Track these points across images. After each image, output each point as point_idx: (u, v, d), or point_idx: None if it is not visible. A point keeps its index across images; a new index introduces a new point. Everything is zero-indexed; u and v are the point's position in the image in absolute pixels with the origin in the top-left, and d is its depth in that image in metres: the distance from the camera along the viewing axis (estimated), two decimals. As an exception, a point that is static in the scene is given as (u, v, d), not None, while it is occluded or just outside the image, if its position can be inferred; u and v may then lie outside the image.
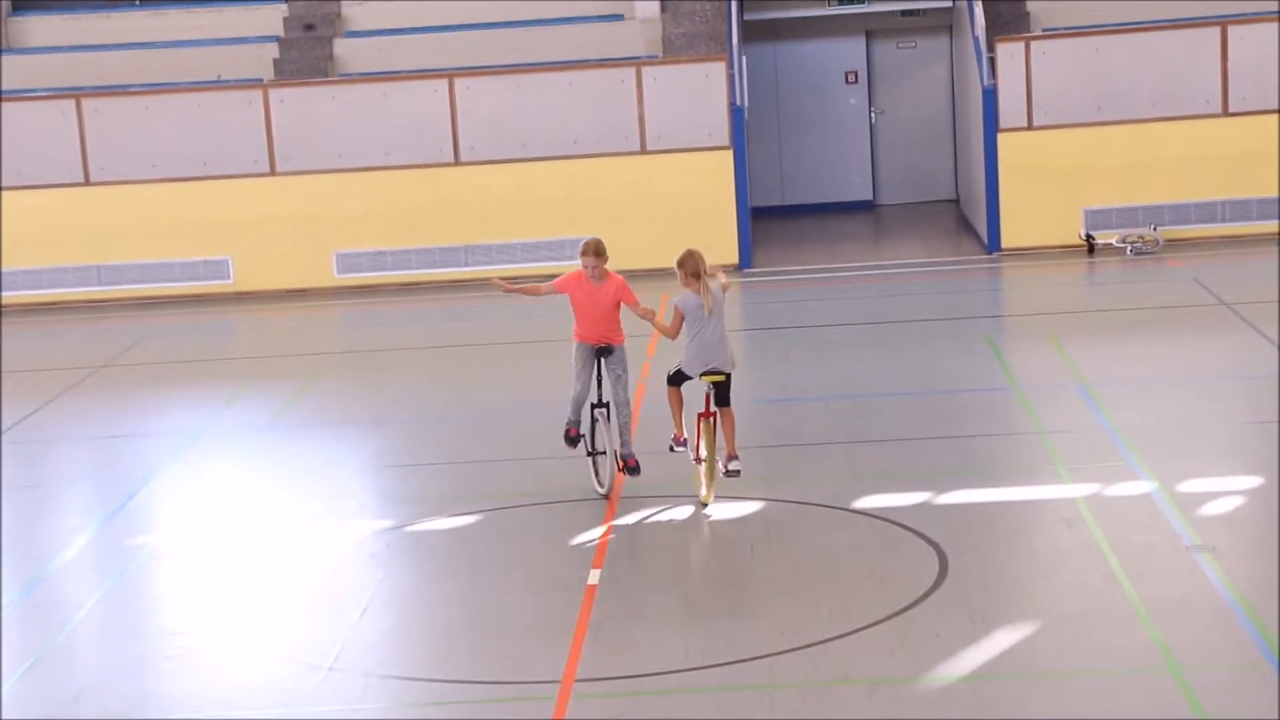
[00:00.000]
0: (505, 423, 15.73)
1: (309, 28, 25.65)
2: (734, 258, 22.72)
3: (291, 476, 14.64)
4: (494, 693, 9.79)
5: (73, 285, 23.45)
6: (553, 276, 13.71)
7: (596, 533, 12.30)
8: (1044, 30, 24.08)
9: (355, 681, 10.02)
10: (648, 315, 12.66)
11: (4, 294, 23.31)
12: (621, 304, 12.91)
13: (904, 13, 27.22)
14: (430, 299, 22.44)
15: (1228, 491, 12.34)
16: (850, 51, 27.71)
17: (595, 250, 12.77)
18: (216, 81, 24.58)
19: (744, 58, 23.84)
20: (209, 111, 23.25)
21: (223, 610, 11.38)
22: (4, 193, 23.19)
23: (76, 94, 23.64)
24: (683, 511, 12.77)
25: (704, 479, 12.78)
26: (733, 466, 12.64)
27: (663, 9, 25.28)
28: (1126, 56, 22.60)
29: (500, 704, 9.66)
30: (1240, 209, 22.56)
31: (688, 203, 22.58)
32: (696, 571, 11.77)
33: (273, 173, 23.25)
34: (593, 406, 13.08)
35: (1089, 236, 22.54)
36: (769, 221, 26.49)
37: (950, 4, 26.00)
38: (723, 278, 12.82)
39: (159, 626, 11.27)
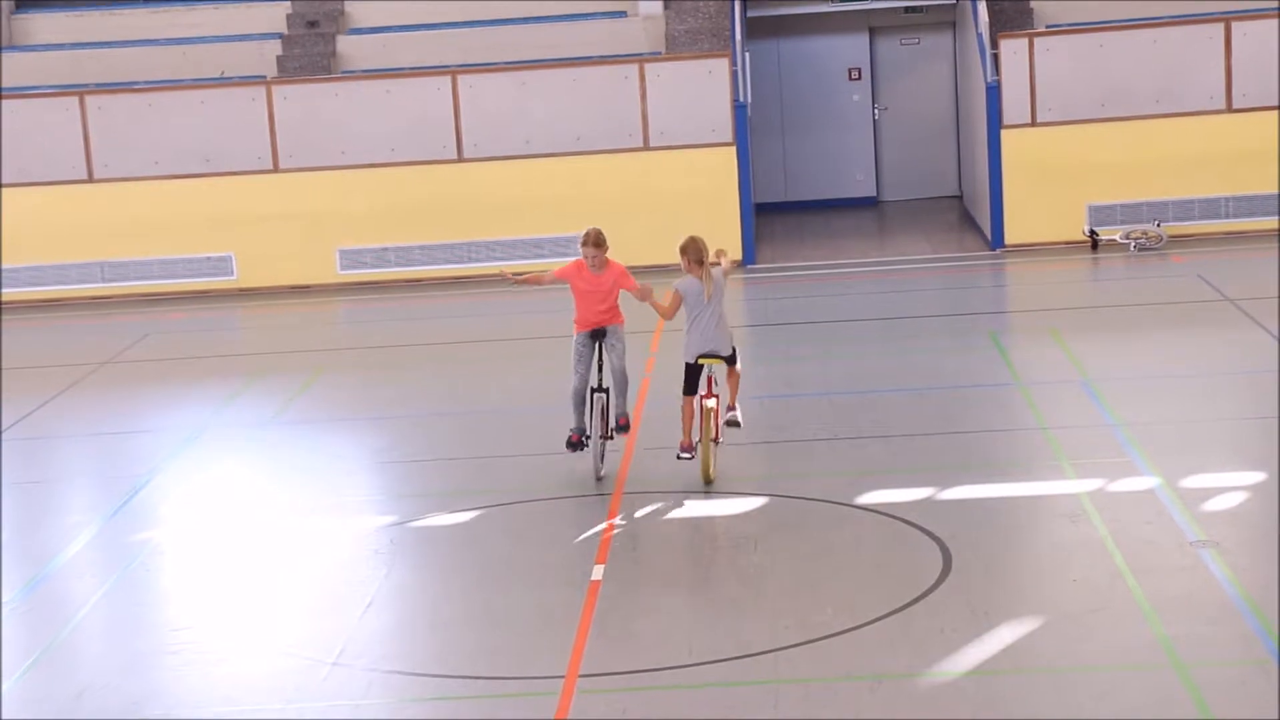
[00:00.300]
0: (508, 418, 15.73)
1: (312, 24, 25.65)
2: (737, 254, 22.69)
3: (294, 472, 14.64)
4: (498, 688, 9.79)
5: (76, 282, 23.46)
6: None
7: (600, 528, 12.30)
8: (1047, 27, 24.06)
9: (359, 677, 10.02)
10: (646, 294, 12.99)
11: (8, 291, 23.31)
12: (623, 290, 13.25)
13: (907, 9, 27.21)
14: (433, 295, 22.44)
15: (1232, 487, 12.34)
16: (854, 48, 27.70)
17: (595, 240, 13.15)
18: (220, 78, 24.58)
19: (747, 54, 23.83)
20: (212, 108, 23.26)
21: (226, 606, 11.38)
22: (8, 190, 23.20)
23: (80, 91, 23.64)
24: (686, 507, 12.77)
25: (704, 458, 13.07)
26: (730, 416, 13.13)
27: (666, 5, 25.26)
28: (1130, 53, 22.59)
29: (504, 699, 9.66)
30: (1244, 205, 22.54)
31: (691, 199, 22.57)
32: (700, 567, 11.76)
33: (276, 169, 23.25)
34: (592, 391, 13.35)
35: (1093, 232, 22.53)
36: (772, 218, 26.49)
37: (954, 0, 25.98)
38: (725, 262, 13.11)
39: (162, 623, 11.27)
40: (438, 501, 13.28)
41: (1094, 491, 12.39)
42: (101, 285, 23.47)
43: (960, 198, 27.29)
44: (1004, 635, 9.97)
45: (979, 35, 23.25)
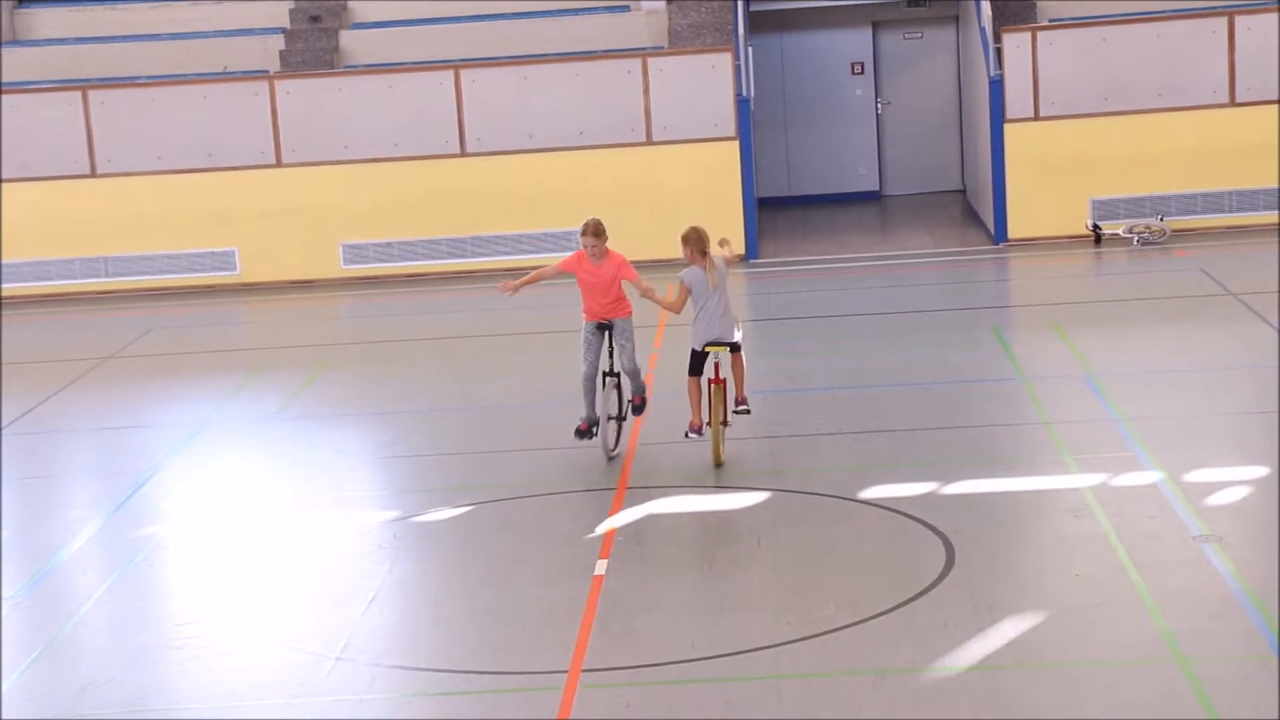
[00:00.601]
0: (511, 413, 15.73)
1: (315, 19, 25.64)
2: (741, 249, 22.67)
3: (298, 467, 14.65)
4: (501, 683, 9.79)
5: (79, 277, 23.47)
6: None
7: (603, 523, 12.31)
8: (1050, 21, 24.05)
9: (362, 672, 10.03)
10: (648, 293, 13.17)
11: (11, 286, 23.32)
12: (624, 280, 13.48)
13: (910, 3, 27.20)
14: (436, 290, 22.44)
15: (1235, 481, 12.33)
16: (856, 42, 27.69)
17: (594, 231, 13.38)
18: (222, 73, 24.58)
19: (750, 49, 23.81)
20: (215, 103, 23.26)
21: (229, 601, 11.39)
22: (11, 185, 23.20)
23: (82, 86, 23.65)
24: (689, 502, 12.77)
25: (714, 441, 13.31)
26: (740, 409, 13.50)
27: (669, 0, 25.24)
28: (1133, 47, 22.58)
29: (507, 694, 9.66)
30: (1247, 199, 22.53)
31: (694, 194, 22.56)
32: (703, 562, 11.76)
33: (279, 164, 23.26)
34: (604, 374, 13.60)
35: (1095, 227, 22.52)
36: (775, 212, 26.49)
37: (956, -6, 26.01)
38: (727, 252, 13.34)
39: (165, 617, 11.28)
40: (441, 496, 13.29)
41: (1097, 486, 12.39)
42: (104, 280, 23.47)
43: (963, 192, 27.29)
44: (1007, 630, 9.97)
45: (982, 29, 23.24)
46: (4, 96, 23.37)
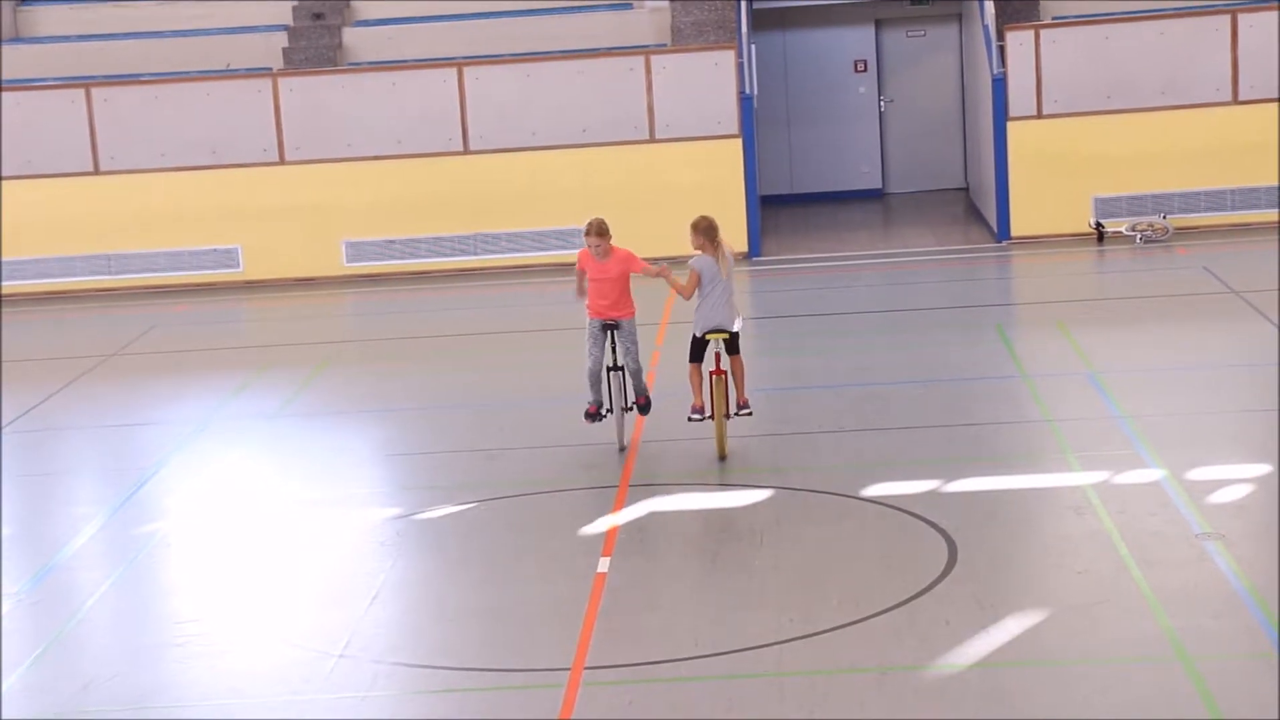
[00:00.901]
0: (515, 411, 15.73)
1: (318, 17, 25.65)
2: (743, 246, 22.69)
3: (301, 464, 14.66)
4: (503, 680, 9.80)
5: (82, 274, 23.47)
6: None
7: (606, 521, 12.31)
8: (1054, 19, 24.04)
9: (365, 669, 10.03)
10: (663, 273, 13.37)
11: (14, 284, 23.33)
12: (633, 273, 13.63)
13: (913, 1, 27.19)
14: (439, 288, 22.44)
15: (1237, 479, 12.33)
16: (859, 40, 27.67)
17: (598, 230, 13.50)
18: (226, 71, 24.59)
19: (753, 46, 23.81)
20: (218, 101, 23.26)
21: (232, 598, 11.40)
22: (14, 182, 23.21)
23: (86, 83, 23.65)
24: (692, 499, 12.78)
25: (718, 434, 13.44)
26: (742, 411, 13.65)
27: (672, -3, 25.28)
28: (1136, 45, 22.57)
29: (509, 691, 9.66)
30: (1249, 197, 22.52)
31: (697, 191, 22.54)
32: (706, 559, 11.76)
33: (282, 162, 23.26)
34: (608, 370, 13.73)
35: (1098, 225, 22.51)
36: (778, 210, 26.49)
37: (960, -8, 26.00)
38: (727, 249, 13.52)
39: (169, 614, 11.28)
40: (443, 494, 13.29)
41: (1099, 484, 12.39)
42: (107, 278, 23.48)
43: (966, 190, 27.28)
44: (1009, 627, 9.97)
45: (985, 28, 23.23)
46: (7, 94, 23.38)
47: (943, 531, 11.62)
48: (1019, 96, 22.61)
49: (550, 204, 22.96)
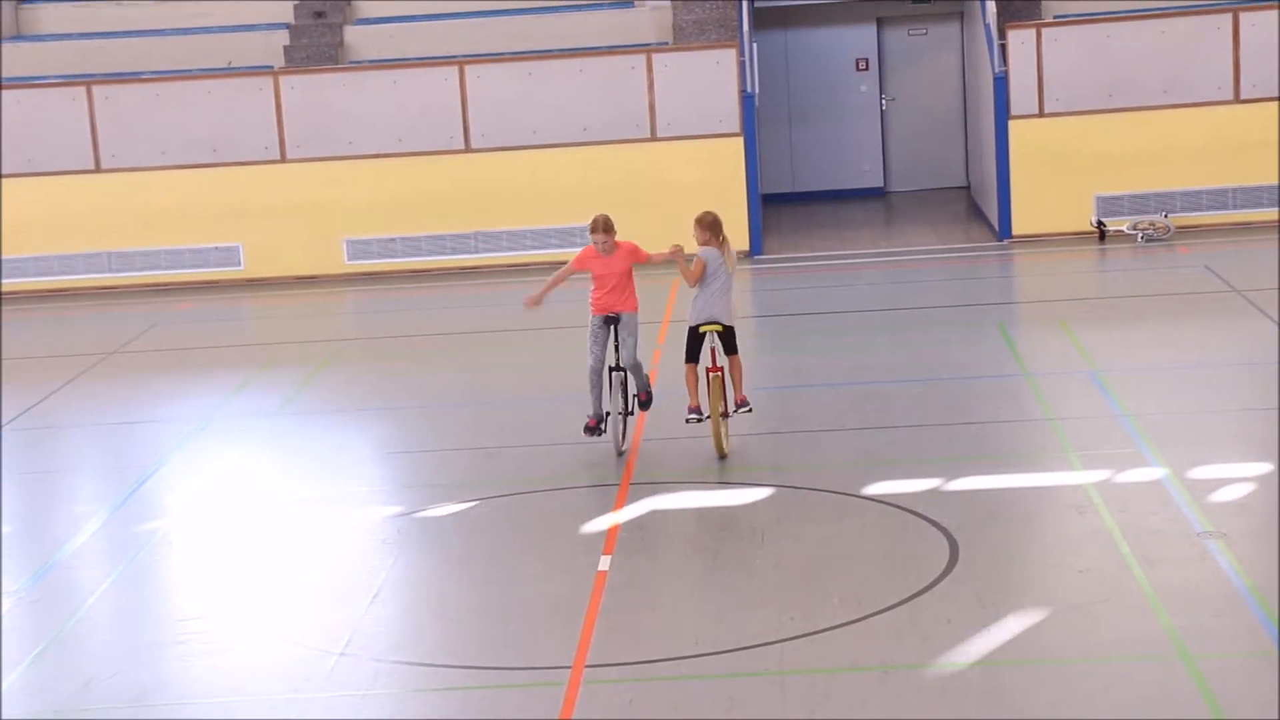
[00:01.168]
0: (515, 409, 15.72)
1: (319, 15, 25.64)
2: (745, 245, 22.69)
3: (302, 462, 14.65)
4: (504, 678, 9.79)
5: (83, 272, 23.47)
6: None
7: (607, 519, 12.30)
8: (1055, 17, 24.03)
9: (366, 667, 10.03)
10: (676, 254, 13.39)
11: (15, 281, 23.32)
12: (646, 262, 13.74)
13: (915, 0, 27.19)
14: (440, 286, 22.44)
15: (1239, 478, 12.32)
16: (861, 38, 27.67)
17: (604, 227, 13.58)
18: (227, 69, 24.59)
19: (755, 44, 23.81)
20: (219, 98, 23.26)
21: (233, 596, 11.39)
22: (15, 180, 23.21)
23: (87, 81, 23.66)
24: (693, 498, 12.77)
25: (716, 432, 13.41)
26: (742, 409, 13.69)
27: (673, -4, 25.28)
28: (1138, 43, 22.56)
29: (510, 690, 9.66)
30: (1252, 196, 22.51)
31: (698, 190, 22.52)
32: (707, 558, 11.75)
33: (283, 160, 23.26)
34: (610, 370, 13.68)
35: (1100, 223, 22.51)
36: (779, 208, 26.48)
37: (961, -9, 25.99)
38: (730, 246, 13.64)
39: (169, 612, 11.28)
40: (444, 492, 13.29)
41: (1101, 482, 12.38)
42: (108, 275, 23.48)
43: (968, 188, 27.27)
44: (1011, 626, 9.96)
45: (987, 26, 23.22)
46: (8, 91, 23.38)
47: (944, 530, 11.61)
48: (1020, 95, 22.60)
49: (551, 202, 22.96)
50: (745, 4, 24.12)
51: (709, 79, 22.88)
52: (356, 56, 25.23)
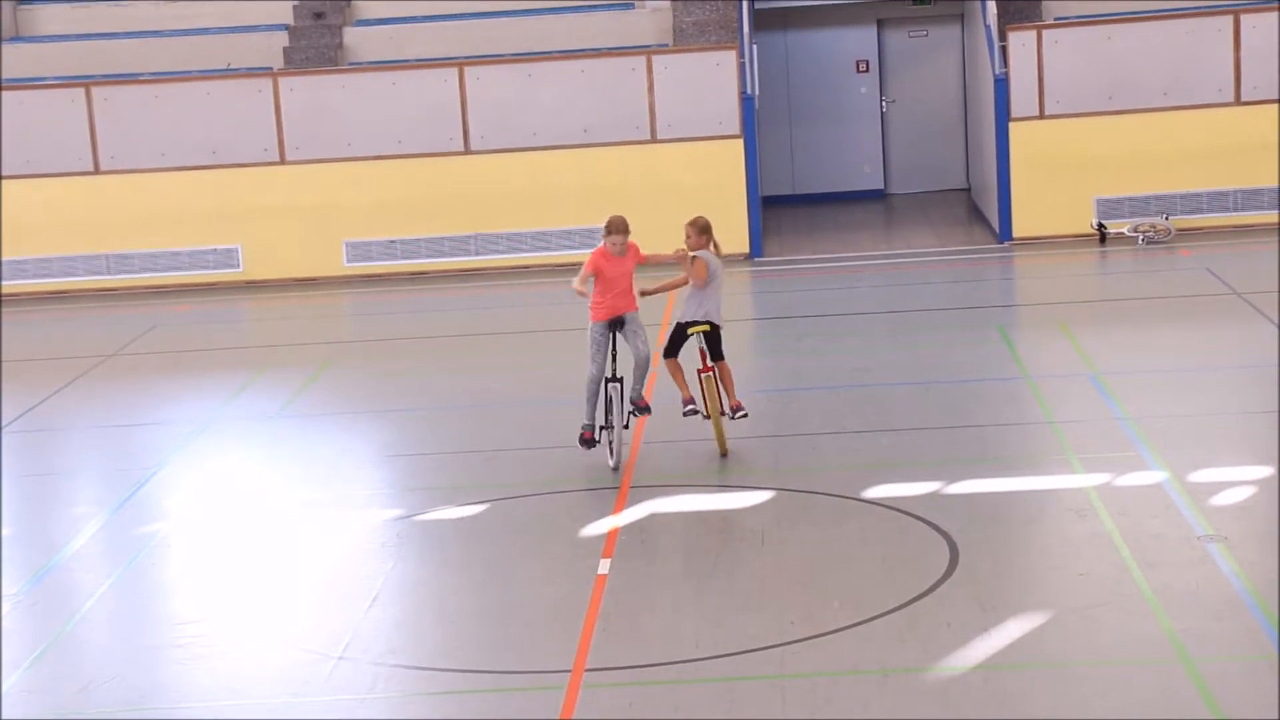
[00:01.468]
0: (515, 412, 15.71)
1: (319, 16, 25.63)
2: (745, 247, 22.69)
3: (301, 466, 14.64)
4: (504, 682, 9.78)
5: (82, 274, 23.46)
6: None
7: (607, 522, 12.29)
8: (1056, 19, 24.02)
9: (365, 670, 10.02)
10: (680, 256, 13.45)
11: (14, 283, 23.32)
12: (652, 261, 13.71)
13: (915, 1, 27.18)
14: (440, 288, 22.43)
15: (1240, 481, 12.31)
16: (861, 40, 27.66)
17: (622, 228, 13.43)
18: (226, 70, 24.58)
19: (755, 46, 23.80)
20: (219, 100, 23.25)
21: (232, 599, 11.38)
22: (14, 181, 23.20)
23: (86, 82, 23.64)
24: (693, 501, 12.76)
25: (717, 431, 13.52)
26: (738, 415, 13.63)
27: (673, -3, 25.26)
28: (1138, 45, 22.55)
29: (510, 693, 9.65)
30: (1252, 198, 22.50)
31: (698, 192, 22.52)
32: (707, 561, 11.74)
33: (282, 161, 23.25)
34: (606, 381, 13.48)
35: (1101, 226, 22.50)
36: (779, 211, 26.47)
37: (961, -7, 25.98)
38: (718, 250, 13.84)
39: (169, 615, 11.27)
40: (444, 495, 13.27)
41: (1101, 486, 12.37)
42: (108, 277, 23.47)
43: (968, 190, 27.26)
44: (1011, 629, 9.95)
45: (987, 28, 23.21)
46: (8, 93, 23.37)
47: (944, 533, 11.60)
48: (1021, 97, 22.59)
49: (551, 204, 22.94)
50: (745, 6, 24.11)
51: (709, 81, 22.87)
52: (356, 58, 25.23)
